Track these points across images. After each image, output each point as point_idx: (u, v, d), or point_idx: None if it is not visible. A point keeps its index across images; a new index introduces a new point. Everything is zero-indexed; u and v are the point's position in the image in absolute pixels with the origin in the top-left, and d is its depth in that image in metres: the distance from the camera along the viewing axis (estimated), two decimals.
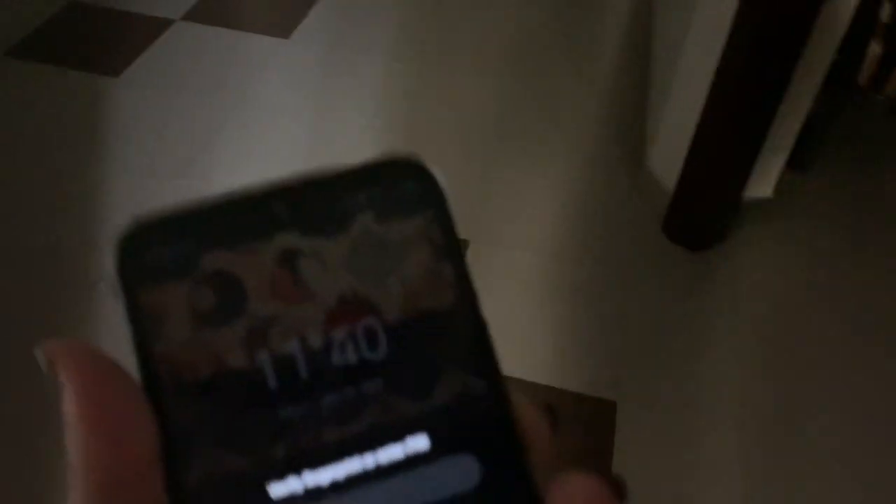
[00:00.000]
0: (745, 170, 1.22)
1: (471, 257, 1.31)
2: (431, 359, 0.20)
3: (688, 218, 1.31)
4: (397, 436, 0.19)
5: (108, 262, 0.18)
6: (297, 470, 0.19)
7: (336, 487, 0.19)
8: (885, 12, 1.34)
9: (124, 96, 1.54)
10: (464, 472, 0.19)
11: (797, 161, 1.33)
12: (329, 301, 0.19)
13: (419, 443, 0.19)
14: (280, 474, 0.19)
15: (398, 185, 0.20)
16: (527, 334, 1.21)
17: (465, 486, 0.19)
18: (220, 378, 0.19)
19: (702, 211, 1.29)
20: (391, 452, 0.19)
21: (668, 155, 1.30)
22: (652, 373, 1.17)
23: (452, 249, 0.20)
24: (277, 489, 0.18)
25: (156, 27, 1.71)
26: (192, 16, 1.75)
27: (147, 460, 0.17)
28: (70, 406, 0.17)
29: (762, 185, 1.30)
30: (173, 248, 0.19)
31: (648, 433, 1.10)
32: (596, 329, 1.22)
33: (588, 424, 1.11)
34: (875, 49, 1.38)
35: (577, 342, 1.21)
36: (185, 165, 1.40)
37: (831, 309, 1.25)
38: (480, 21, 1.85)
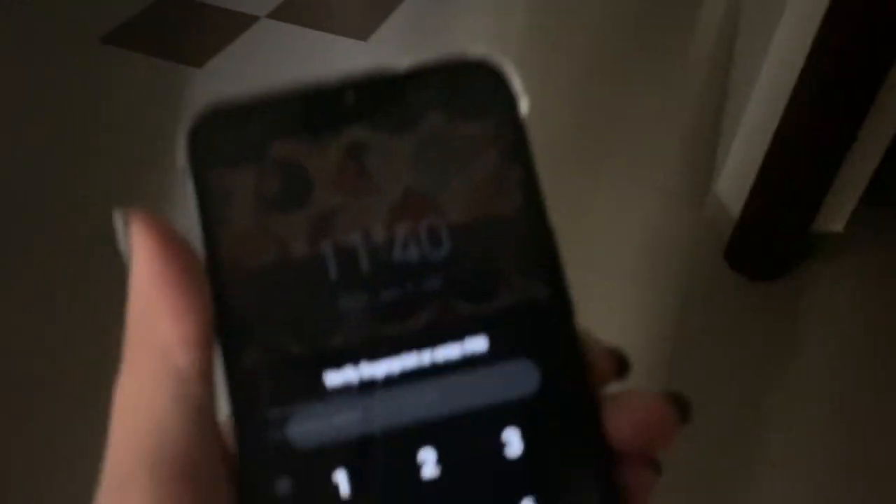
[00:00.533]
0: (815, 201, 1.19)
1: None
2: (494, 262, 0.20)
3: (751, 247, 1.28)
4: (455, 336, 0.19)
5: (179, 144, 0.19)
6: (353, 360, 0.19)
7: (390, 381, 0.19)
8: None
9: (205, 87, 1.59)
10: (522, 376, 0.19)
11: (873, 195, 1.28)
12: (394, 196, 0.20)
13: (477, 344, 0.19)
14: (335, 363, 0.19)
15: (471, 84, 0.20)
16: None
17: (523, 391, 0.19)
18: (281, 264, 0.19)
19: (767, 241, 1.26)
20: (448, 352, 0.19)
21: (737, 181, 1.28)
22: (703, 403, 1.14)
23: (523, 153, 0.20)
24: (332, 378, 0.18)
25: (241, 23, 1.77)
26: (276, 14, 1.81)
27: (200, 338, 0.17)
28: (136, 274, 0.17)
29: (834, 218, 1.26)
30: (243, 133, 0.19)
31: (695, 470, 1.06)
32: (648, 351, 1.20)
33: None
34: None
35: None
36: None
37: None
38: (559, 31, 1.86)
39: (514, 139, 0.20)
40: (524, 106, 0.20)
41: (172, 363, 0.17)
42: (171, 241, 0.18)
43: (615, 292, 1.29)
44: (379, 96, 0.20)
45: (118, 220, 0.18)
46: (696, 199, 1.43)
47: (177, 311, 0.17)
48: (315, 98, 0.20)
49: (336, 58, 1.70)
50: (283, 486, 0.18)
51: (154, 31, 1.74)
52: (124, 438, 0.17)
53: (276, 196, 0.19)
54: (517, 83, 0.20)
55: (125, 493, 0.16)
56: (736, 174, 1.28)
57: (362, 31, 1.77)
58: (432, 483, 0.18)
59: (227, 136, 0.19)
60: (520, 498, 0.18)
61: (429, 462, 0.18)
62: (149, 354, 0.17)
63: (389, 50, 1.73)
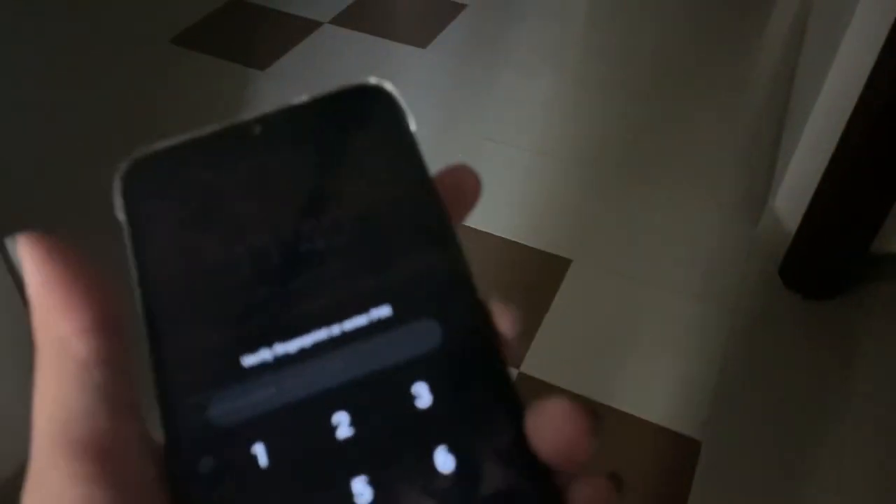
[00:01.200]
0: (875, 220, 1.16)
1: (571, 277, 1.30)
2: (394, 241, 0.22)
3: (807, 264, 1.26)
4: (361, 308, 0.21)
5: (114, 188, 0.22)
6: (267, 342, 0.20)
7: (303, 355, 0.20)
8: None
9: (267, 88, 1.64)
10: (425, 334, 0.20)
11: None
12: (298, 199, 0.22)
13: (381, 311, 0.20)
14: (251, 345, 0.20)
15: (363, 105, 0.23)
16: (622, 360, 1.19)
17: (427, 348, 0.20)
18: (200, 265, 0.21)
19: (823, 259, 1.24)
20: (355, 322, 0.20)
21: (794, 196, 1.26)
22: (747, 420, 1.12)
23: (414, 156, 0.23)
24: (248, 359, 0.20)
25: (305, 27, 1.82)
26: (339, 20, 1.85)
27: (97, 329, 0.19)
28: (29, 285, 0.19)
29: (894, 238, 1.23)
30: (166, 172, 0.22)
31: (736, 486, 1.05)
32: (693, 361, 1.19)
33: (664, 459, 1.07)
34: None
35: (671, 373, 1.18)
36: None
37: None
38: (619, 42, 1.85)
39: (406, 147, 0.23)
40: (412, 122, 0.23)
41: (71, 352, 0.19)
42: (55, 250, 0.19)
43: (667, 305, 1.28)
44: (281, 124, 0.23)
45: (12, 247, 0.20)
46: (753, 213, 1.41)
47: (68, 307, 0.19)
48: (225, 133, 0.23)
49: (395, 63, 1.72)
50: (207, 463, 0.18)
51: (221, 33, 1.80)
52: (39, 427, 0.18)
53: (195, 212, 0.22)
54: (404, 103, 0.23)
55: (45, 474, 0.17)
56: (794, 189, 1.26)
57: (422, 39, 1.80)
58: (348, 443, 0.19)
59: (151, 176, 0.22)
60: (432, 447, 0.19)
61: (343, 424, 0.19)
62: (50, 348, 0.19)
63: (449, 57, 1.75)
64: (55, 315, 0.19)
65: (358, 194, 0.22)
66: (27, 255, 0.19)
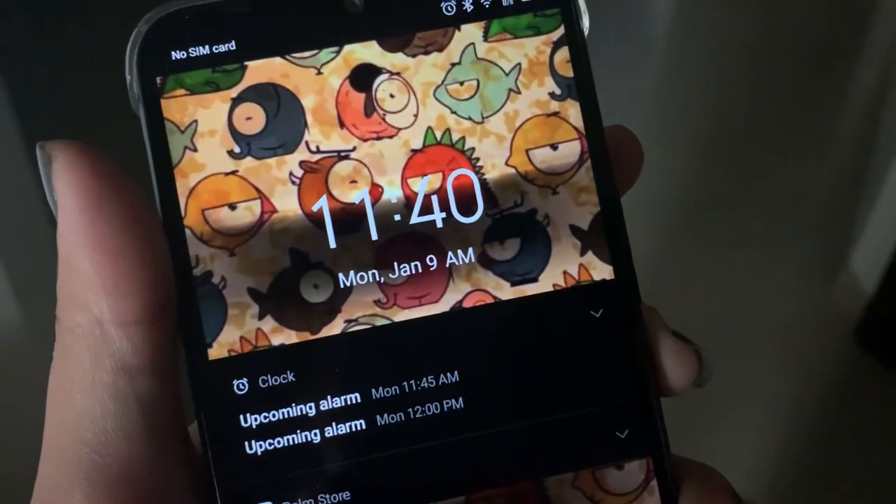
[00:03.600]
0: None
1: None
2: (540, 229, 0.16)
3: (886, 327, 1.16)
4: (489, 324, 0.16)
5: (128, 62, 0.16)
6: (351, 354, 0.16)
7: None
8: None
9: None
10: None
11: None
12: (413, 139, 0.16)
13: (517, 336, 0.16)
14: (330, 358, 0.16)
15: None
16: (689, 423, 1.11)
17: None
18: (260, 224, 0.16)
19: None
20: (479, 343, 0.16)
21: (873, 255, 1.18)
22: (819, 491, 1.02)
23: (581, 83, 0.17)
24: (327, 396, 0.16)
25: None
26: None
27: (146, 320, 0.14)
28: (61, 231, 0.14)
29: None
30: (211, 48, 0.16)
31: None
32: (764, 427, 1.11)
33: None
34: None
35: (740, 438, 1.09)
36: None
37: None
38: (693, 92, 1.80)
39: (571, 64, 0.17)
40: (586, 22, 0.16)
41: (112, 349, 0.14)
42: (108, 182, 0.14)
43: (738, 367, 1.19)
44: (395, 3, 0.16)
45: (40, 156, 0.14)
46: (828, 272, 1.33)
47: (113, 282, 0.14)
48: (307, 2, 0.16)
49: None
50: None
51: None
52: (57, 441, 0.14)
53: (256, 132, 0.16)
54: None
55: None
56: (873, 248, 1.18)
57: None
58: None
59: (188, 51, 0.16)
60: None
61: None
62: (81, 336, 0.14)
63: None
64: (94, 283, 0.14)
65: (502, 144, 0.17)
66: (65, 178, 0.14)
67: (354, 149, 0.16)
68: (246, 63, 0.16)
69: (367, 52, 0.16)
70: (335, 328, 0.16)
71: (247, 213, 0.16)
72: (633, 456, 0.16)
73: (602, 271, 0.16)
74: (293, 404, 0.16)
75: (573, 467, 0.16)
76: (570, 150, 0.16)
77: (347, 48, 0.16)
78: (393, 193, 0.16)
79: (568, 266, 0.16)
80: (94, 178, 0.14)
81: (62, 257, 0.14)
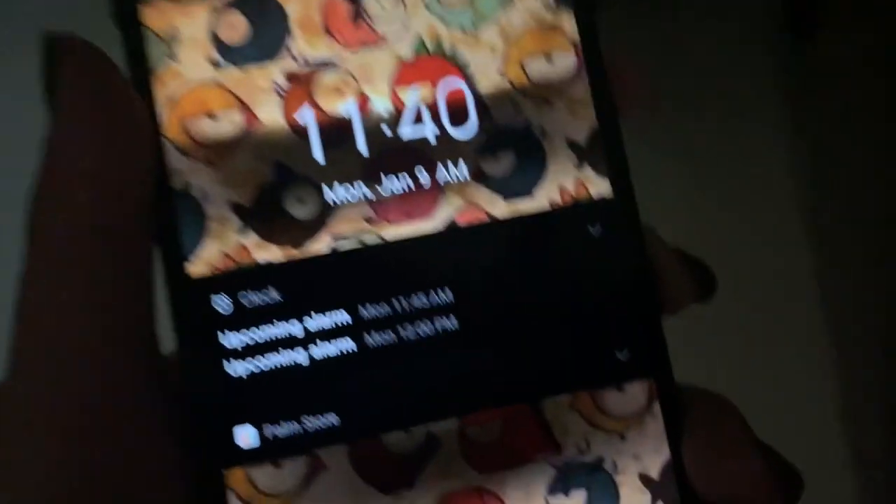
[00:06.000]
0: None
1: None
2: (536, 143, 0.16)
3: None
4: (483, 241, 0.15)
5: None
6: (340, 272, 0.15)
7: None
8: None
9: None
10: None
11: None
12: (402, 49, 0.16)
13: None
14: (317, 276, 0.15)
15: None
16: None
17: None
18: (242, 135, 0.15)
19: None
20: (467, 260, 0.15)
21: None
22: None
23: None
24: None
25: None
26: None
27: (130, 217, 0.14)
28: (59, 123, 0.14)
29: None
30: None
31: None
32: None
33: None
34: None
35: None
36: None
37: None
38: None
39: None
40: None
41: (86, 257, 0.14)
42: (118, 88, 0.14)
43: None
44: None
45: (48, 47, 0.14)
46: None
47: (122, 172, 0.14)
48: None
49: None
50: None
51: None
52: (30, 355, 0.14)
53: (239, 40, 0.16)
54: None
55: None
56: None
57: None
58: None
59: None
60: None
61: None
62: (55, 243, 0.14)
63: None
64: (88, 182, 0.14)
65: (497, 55, 0.16)
66: (76, 72, 0.14)
67: (341, 58, 0.15)
68: None
69: None
70: (322, 245, 0.15)
71: (229, 125, 0.15)
72: (634, 377, 0.16)
73: (600, 187, 0.16)
74: (278, 323, 0.15)
75: (571, 389, 0.15)
76: (566, 62, 0.16)
77: None
78: (382, 105, 0.15)
79: (565, 181, 0.16)
80: (104, 81, 0.14)
81: (53, 155, 0.14)
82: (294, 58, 0.15)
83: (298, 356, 0.15)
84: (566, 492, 0.15)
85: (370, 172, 0.15)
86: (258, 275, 0.15)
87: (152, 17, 0.15)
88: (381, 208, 0.15)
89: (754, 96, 0.80)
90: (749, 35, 0.82)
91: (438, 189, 0.15)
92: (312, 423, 0.15)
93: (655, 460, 0.15)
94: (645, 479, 0.15)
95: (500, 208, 0.16)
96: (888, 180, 0.74)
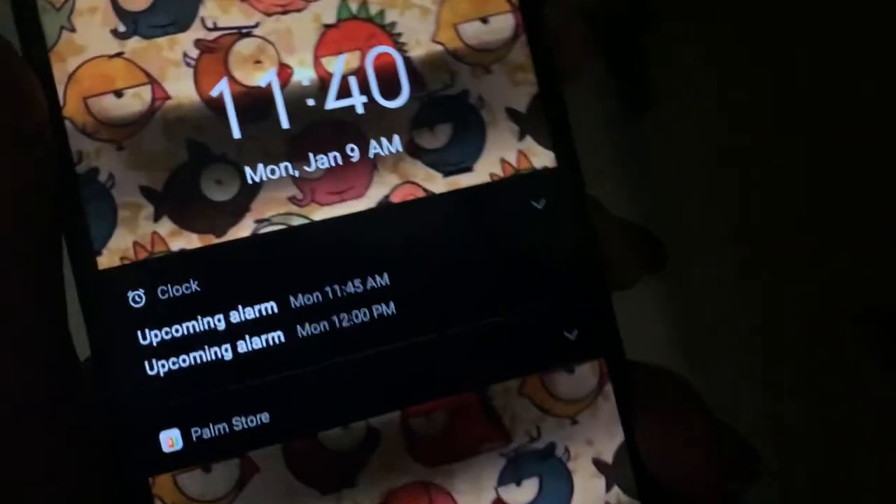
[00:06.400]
0: None
1: None
2: (473, 112, 0.15)
3: None
4: (421, 220, 0.14)
5: None
6: (265, 258, 0.14)
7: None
8: None
9: None
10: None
11: None
12: (325, 14, 0.14)
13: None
14: (241, 264, 0.14)
15: None
16: None
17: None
18: (151, 112, 0.14)
19: None
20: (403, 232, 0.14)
21: None
22: None
23: None
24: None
25: None
26: None
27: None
28: None
29: None
30: None
31: None
32: None
33: None
34: None
35: None
36: None
37: None
38: None
39: None
40: None
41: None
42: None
43: None
44: None
45: None
46: None
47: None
48: None
49: None
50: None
51: None
52: None
53: (143, 10, 0.14)
54: None
55: None
56: None
57: None
58: None
59: None
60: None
61: None
62: None
63: None
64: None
65: (429, 17, 0.15)
66: None
67: (258, 24, 0.14)
68: None
69: None
70: (244, 230, 0.14)
71: (135, 101, 0.14)
72: (585, 358, 0.15)
73: (543, 158, 0.15)
74: (199, 317, 0.14)
75: (519, 373, 0.14)
76: (503, 24, 0.15)
77: None
78: (304, 75, 0.14)
79: (506, 153, 0.15)
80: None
81: None
82: (205, 25, 0.14)
83: (223, 351, 0.14)
84: (518, 482, 0.14)
85: (294, 149, 0.14)
86: (175, 265, 0.14)
87: None
88: (307, 188, 0.14)
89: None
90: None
91: (370, 165, 0.14)
92: (242, 422, 0.14)
93: (609, 444, 0.15)
94: (599, 464, 0.15)
95: (438, 183, 0.14)
96: None
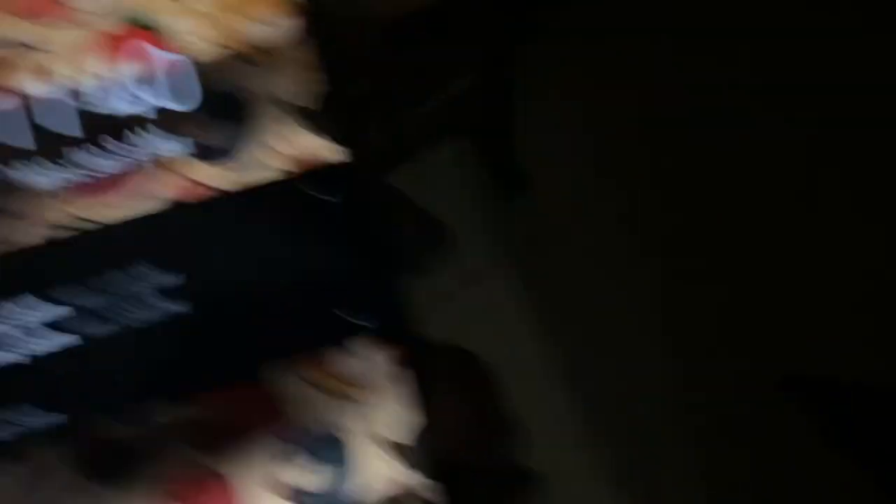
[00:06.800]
0: None
1: None
2: (255, 111, 0.15)
3: None
4: (207, 218, 0.15)
5: None
6: (48, 262, 0.14)
7: None
8: None
9: None
10: None
11: None
12: (104, 21, 0.15)
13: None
14: (23, 269, 0.14)
15: None
16: None
17: None
18: None
19: None
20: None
21: None
22: None
23: None
24: None
25: None
26: None
27: None
28: None
29: None
30: None
31: None
32: None
33: None
34: None
35: None
36: None
37: None
38: None
39: None
40: None
41: None
42: None
43: None
44: None
45: None
46: None
47: None
48: None
49: None
50: None
51: None
52: None
53: None
54: None
55: None
56: None
57: None
58: None
59: None
60: None
61: None
62: None
63: None
64: None
65: (207, 16, 0.16)
66: None
67: (36, 35, 0.15)
68: None
69: None
70: (31, 236, 0.14)
71: None
72: (372, 341, 0.15)
73: (330, 151, 0.15)
74: None
75: (306, 359, 0.15)
76: (288, 24, 0.15)
77: None
78: (84, 82, 0.15)
79: (293, 149, 0.15)
80: None
81: None
82: None
83: (10, 356, 0.14)
84: (299, 465, 0.15)
85: (78, 154, 0.15)
86: None
87: None
88: (93, 191, 0.15)
89: None
90: None
91: (154, 166, 0.15)
92: (29, 422, 0.14)
93: (392, 422, 0.15)
94: (382, 443, 0.15)
95: (225, 181, 0.15)
96: None
